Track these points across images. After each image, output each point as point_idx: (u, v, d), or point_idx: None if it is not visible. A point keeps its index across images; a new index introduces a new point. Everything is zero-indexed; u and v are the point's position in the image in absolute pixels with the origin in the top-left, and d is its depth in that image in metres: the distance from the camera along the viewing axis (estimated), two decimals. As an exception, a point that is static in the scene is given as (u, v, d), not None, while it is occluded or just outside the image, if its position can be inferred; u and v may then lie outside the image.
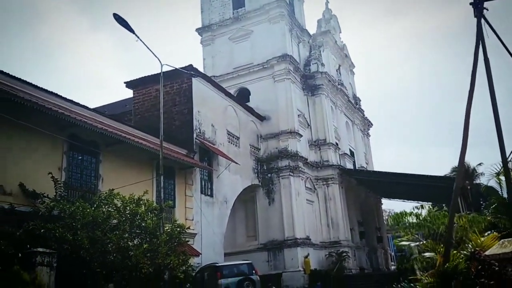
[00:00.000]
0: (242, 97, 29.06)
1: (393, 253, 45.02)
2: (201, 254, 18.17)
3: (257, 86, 29.62)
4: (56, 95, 14.20)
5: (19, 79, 12.95)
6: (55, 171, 13.00)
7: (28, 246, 10.04)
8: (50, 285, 9.16)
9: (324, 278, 24.51)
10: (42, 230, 10.44)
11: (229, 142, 24.46)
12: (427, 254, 5.44)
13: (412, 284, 4.68)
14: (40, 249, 9.52)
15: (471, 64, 8.97)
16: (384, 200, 40.55)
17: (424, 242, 5.35)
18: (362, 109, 41.94)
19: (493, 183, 12.39)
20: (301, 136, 29.02)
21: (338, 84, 35.60)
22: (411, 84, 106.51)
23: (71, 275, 10.68)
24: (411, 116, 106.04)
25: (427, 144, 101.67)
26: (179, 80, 21.73)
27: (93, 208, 11.84)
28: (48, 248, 10.05)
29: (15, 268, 8.15)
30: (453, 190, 6.53)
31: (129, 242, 12.00)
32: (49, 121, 12.83)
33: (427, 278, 4.76)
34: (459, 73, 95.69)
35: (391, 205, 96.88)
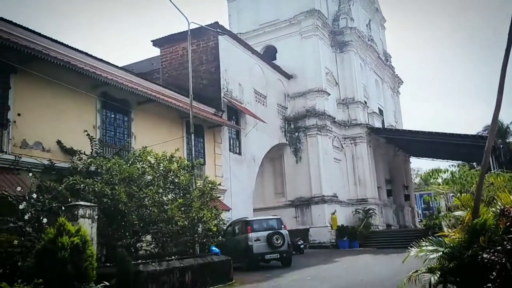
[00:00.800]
0: (268, 55, 28.62)
1: (420, 211, 45.05)
2: (231, 209, 18.77)
3: (284, 44, 29.01)
4: (87, 54, 14.42)
5: (51, 39, 13.18)
6: (90, 129, 13.45)
7: (69, 200, 10.64)
8: (92, 236, 9.73)
9: (350, 234, 24.96)
10: (82, 185, 11.00)
11: (256, 101, 24.42)
12: (457, 213, 5.45)
13: (440, 239, 4.74)
14: (82, 203, 10.07)
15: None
16: (412, 159, 40.16)
17: (458, 196, 5.33)
18: (392, 66, 40.58)
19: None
20: (329, 94, 28.61)
21: (368, 40, 34.35)
22: (445, 38, 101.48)
23: (111, 227, 11.34)
24: (443, 74, 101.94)
25: (459, 103, 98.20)
26: (205, 38, 21.56)
27: (128, 165, 12.32)
28: (88, 202, 10.62)
29: (61, 220, 8.67)
30: (485, 148, 6.37)
31: (163, 197, 12.51)
32: (82, 80, 13.13)
33: (455, 233, 4.79)
34: (497, 26, 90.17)
35: (419, 164, 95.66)
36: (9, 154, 11.24)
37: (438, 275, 4.20)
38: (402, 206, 35.86)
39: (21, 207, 9.51)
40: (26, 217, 9.46)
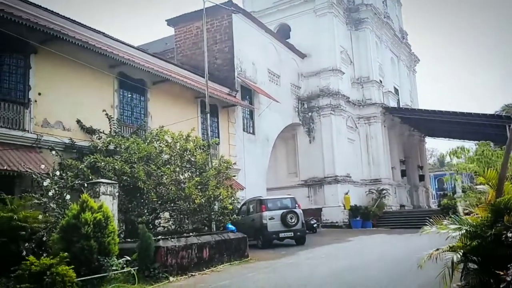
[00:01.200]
0: (282, 34, 28.24)
1: (434, 192, 44.84)
2: (245, 188, 18.98)
3: (298, 22, 28.55)
4: (104, 34, 14.48)
5: (69, 19, 13.26)
6: (108, 109, 13.64)
7: (90, 177, 10.92)
8: (113, 212, 10.01)
9: (364, 214, 25.06)
10: (102, 163, 11.25)
11: (269, 80, 24.29)
12: (480, 187, 5.41)
13: (462, 217, 4.74)
14: (103, 180, 10.32)
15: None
16: (427, 139, 39.76)
17: (482, 173, 5.28)
18: (408, 44, 39.70)
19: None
20: (343, 73, 28.24)
21: (384, 17, 33.54)
22: (464, 16, 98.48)
23: (130, 204, 11.63)
24: (460, 51, 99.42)
25: (477, 81, 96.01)
26: (219, 17, 21.37)
27: (146, 144, 12.52)
28: (108, 179, 10.87)
29: (84, 196, 8.94)
30: (506, 127, 6.30)
31: (180, 176, 12.73)
32: (100, 60, 13.24)
33: (478, 212, 4.78)
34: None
35: (434, 145, 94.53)
36: (31, 133, 11.52)
37: (461, 254, 4.25)
38: (416, 187, 35.72)
39: (45, 184, 9.80)
40: (50, 193, 9.77)
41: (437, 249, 4.46)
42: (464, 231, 4.32)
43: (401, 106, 34.43)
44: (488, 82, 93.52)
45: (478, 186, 5.83)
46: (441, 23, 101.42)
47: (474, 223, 4.36)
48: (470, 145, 17.76)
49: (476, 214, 4.71)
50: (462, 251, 4.34)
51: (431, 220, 5.09)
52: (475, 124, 25.01)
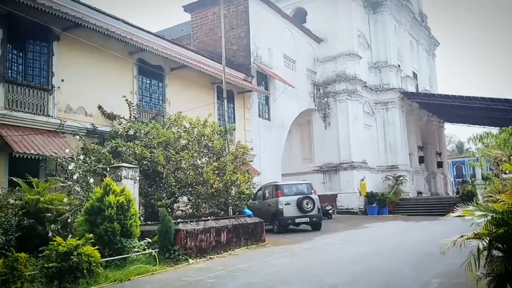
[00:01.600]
0: (298, 18, 27.91)
1: (452, 179, 44.29)
2: (260, 174, 19.10)
3: (314, 5, 28.11)
4: (123, 21, 14.57)
5: (89, 6, 13.38)
6: (127, 95, 13.85)
7: (112, 162, 11.16)
8: (135, 196, 10.24)
9: (380, 201, 24.97)
10: (123, 148, 11.47)
11: (285, 66, 24.14)
12: (506, 176, 5.35)
13: (488, 204, 4.69)
14: (125, 164, 10.54)
15: None
16: (446, 125, 39.10)
17: (508, 161, 5.22)
18: (428, 27, 38.75)
19: None
20: (360, 58, 27.83)
21: (403, 0, 32.78)
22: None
23: (150, 188, 11.86)
24: (483, 34, 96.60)
25: (498, 65, 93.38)
26: (235, 2, 21.26)
27: (165, 129, 12.68)
28: (129, 164, 11.09)
29: (107, 180, 9.16)
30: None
31: (198, 160, 12.90)
32: (119, 47, 13.40)
33: (504, 198, 4.71)
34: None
35: (452, 131, 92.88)
36: (55, 118, 11.81)
37: (486, 241, 4.25)
38: (434, 174, 35.29)
39: (70, 167, 10.08)
40: (74, 177, 10.03)
41: (462, 236, 4.46)
42: (490, 217, 4.31)
43: (419, 91, 33.82)
44: (510, 66, 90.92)
45: (505, 175, 5.75)
46: (461, 4, 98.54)
47: (501, 210, 4.34)
48: (491, 131, 17.39)
49: (502, 201, 4.64)
50: (487, 238, 4.33)
51: (456, 207, 5.05)
52: (496, 109, 24.48)
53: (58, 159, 10.44)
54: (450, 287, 6.31)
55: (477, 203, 4.67)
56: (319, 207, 16.57)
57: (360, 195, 25.34)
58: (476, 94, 35.65)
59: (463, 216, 4.49)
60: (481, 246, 4.24)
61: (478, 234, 4.40)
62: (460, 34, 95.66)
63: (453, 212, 4.74)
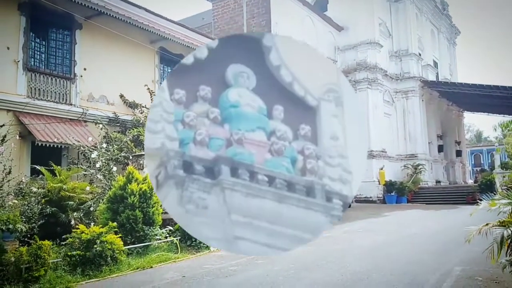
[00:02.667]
0: (319, 6, 27.54)
1: (470, 168, 43.53)
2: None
3: (336, -7, 27.67)
4: (145, 9, 14.61)
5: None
6: (149, 83, 13.97)
7: (134, 150, 11.35)
8: (155, 184, 10.42)
9: (398, 189, 24.76)
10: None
11: (305, 54, 23.90)
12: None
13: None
14: (146, 153, 10.70)
15: None
16: (465, 114, 38.28)
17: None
18: (449, 15, 37.74)
19: None
20: (381, 46, 27.37)
21: (425, -12, 31.97)
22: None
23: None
24: (503, 24, 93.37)
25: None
26: (256, -10, 21.09)
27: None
28: (150, 152, 11.25)
29: (130, 168, 9.34)
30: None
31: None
32: (141, 35, 13.49)
33: None
34: None
35: (471, 120, 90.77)
36: (77, 107, 12.03)
37: (511, 230, 4.21)
38: (453, 162, 34.76)
39: (93, 156, 10.27)
40: (97, 165, 10.22)
41: (486, 224, 4.44)
42: (516, 205, 4.27)
43: (440, 80, 33.12)
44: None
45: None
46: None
47: (526, 198, 4.29)
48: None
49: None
50: (512, 226, 4.30)
51: (476, 195, 5.00)
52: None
53: (81, 148, 10.63)
54: (473, 275, 6.29)
55: (501, 192, 4.61)
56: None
57: (379, 183, 25.15)
58: (496, 83, 34.71)
59: (490, 206, 4.45)
60: (506, 234, 4.21)
61: (504, 222, 4.37)
62: (480, 23, 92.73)
63: (473, 201, 4.72)
